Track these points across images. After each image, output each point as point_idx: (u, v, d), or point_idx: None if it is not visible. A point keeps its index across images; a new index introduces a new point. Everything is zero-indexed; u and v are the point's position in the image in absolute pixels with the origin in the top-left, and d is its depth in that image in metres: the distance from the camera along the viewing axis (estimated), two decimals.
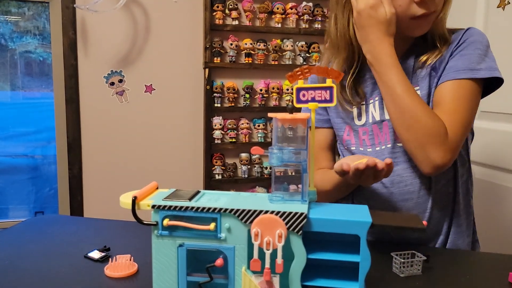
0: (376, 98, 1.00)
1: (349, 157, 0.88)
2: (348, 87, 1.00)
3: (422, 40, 0.97)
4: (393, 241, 0.95)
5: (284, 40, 2.59)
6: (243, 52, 2.54)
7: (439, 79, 0.94)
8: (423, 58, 0.96)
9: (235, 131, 2.57)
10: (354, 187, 1.00)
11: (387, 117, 0.97)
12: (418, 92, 0.95)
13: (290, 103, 0.64)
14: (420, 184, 0.96)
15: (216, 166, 2.57)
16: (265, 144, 2.59)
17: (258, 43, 2.53)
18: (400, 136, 0.91)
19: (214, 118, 2.55)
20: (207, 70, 2.48)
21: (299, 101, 0.65)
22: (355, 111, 1.02)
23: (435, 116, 0.87)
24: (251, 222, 0.59)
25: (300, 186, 0.63)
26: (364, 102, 1.01)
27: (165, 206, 0.62)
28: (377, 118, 0.99)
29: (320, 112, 1.09)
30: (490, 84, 0.93)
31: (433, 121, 0.86)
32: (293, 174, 0.63)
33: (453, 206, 0.99)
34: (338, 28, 0.97)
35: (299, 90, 0.65)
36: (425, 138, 0.86)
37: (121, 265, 0.78)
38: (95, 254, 0.85)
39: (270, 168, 0.65)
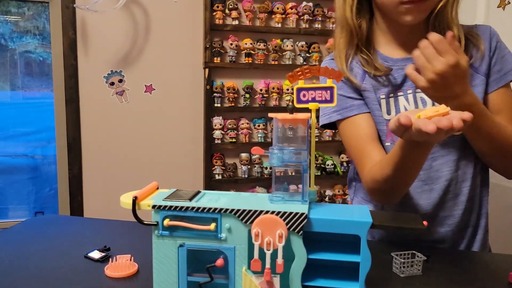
0: (409, 91, 0.95)
1: (407, 111, 0.73)
2: (373, 74, 0.95)
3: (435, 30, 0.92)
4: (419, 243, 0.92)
5: (284, 40, 2.59)
6: (243, 52, 2.54)
7: (488, 81, 0.92)
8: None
9: (235, 131, 2.57)
10: (425, 156, 0.82)
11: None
12: None
13: (291, 103, 0.64)
14: (458, 177, 0.95)
15: (216, 166, 2.56)
16: (265, 144, 2.59)
17: (258, 43, 2.53)
18: (493, 163, 0.93)
19: (214, 118, 2.55)
20: (207, 70, 2.48)
21: (299, 101, 0.65)
22: (383, 104, 0.96)
23: None
24: (252, 222, 0.59)
25: (300, 186, 0.63)
26: (392, 94, 0.96)
27: (165, 206, 0.62)
28: None
29: (354, 96, 0.99)
30: None
31: None
32: (294, 174, 0.63)
33: (480, 206, 1.00)
34: (338, 8, 0.97)
35: (299, 90, 0.65)
36: None
37: (121, 265, 0.78)
38: (95, 254, 0.85)
39: (270, 168, 0.65)
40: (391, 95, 0.96)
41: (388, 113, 0.96)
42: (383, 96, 0.96)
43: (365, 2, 0.97)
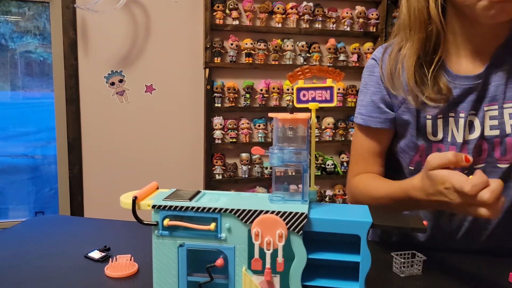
0: (462, 115, 0.82)
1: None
2: (429, 84, 0.81)
3: None
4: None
5: (285, 40, 2.59)
6: (244, 52, 2.54)
7: None
8: None
9: (236, 131, 2.57)
10: (414, 206, 0.79)
11: (468, 137, 0.82)
12: None
13: (291, 103, 0.63)
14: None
15: (216, 166, 2.56)
16: (266, 144, 2.59)
17: (258, 43, 2.53)
18: None
19: (214, 118, 2.55)
20: (207, 70, 2.48)
21: (299, 101, 0.65)
22: (429, 124, 0.84)
23: None
24: (252, 222, 0.59)
25: (300, 186, 0.63)
26: (441, 115, 0.83)
27: (165, 206, 0.61)
28: (459, 139, 0.82)
29: (386, 110, 0.90)
30: None
31: None
32: (294, 174, 0.63)
33: None
34: (414, 3, 0.80)
35: (299, 90, 0.65)
36: None
37: (121, 265, 0.78)
38: (95, 254, 0.85)
39: (271, 168, 0.65)
40: (440, 116, 0.84)
41: (434, 135, 0.85)
42: (430, 117, 0.85)
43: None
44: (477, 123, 0.82)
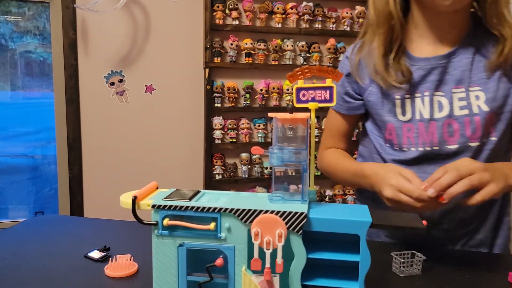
0: (426, 93, 0.91)
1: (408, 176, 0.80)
2: (393, 68, 0.92)
3: (480, 27, 0.89)
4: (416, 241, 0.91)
5: (285, 40, 2.59)
6: (244, 52, 2.54)
7: None
8: (492, 56, 0.87)
9: (235, 131, 2.57)
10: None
11: (436, 115, 0.91)
12: (479, 93, 0.88)
13: (290, 103, 0.64)
14: None
15: (216, 166, 2.56)
16: (265, 144, 2.59)
17: (258, 43, 2.53)
18: None
19: (214, 118, 2.55)
20: (207, 70, 2.48)
21: (299, 101, 0.65)
22: (398, 105, 0.93)
23: None
24: (251, 221, 0.59)
25: (300, 186, 0.63)
26: (409, 95, 0.93)
27: (165, 206, 0.62)
28: (426, 115, 0.91)
29: (349, 100, 1.03)
30: None
31: None
32: (293, 174, 0.63)
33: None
34: (377, 3, 0.92)
35: (299, 90, 0.65)
36: None
37: (121, 265, 0.78)
38: (95, 254, 0.85)
39: (270, 168, 0.65)
40: (407, 96, 0.93)
41: (403, 114, 0.93)
42: (399, 97, 0.93)
43: None
44: (445, 102, 0.90)
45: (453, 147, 0.90)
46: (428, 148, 0.91)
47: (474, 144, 0.89)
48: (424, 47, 0.93)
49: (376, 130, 1.00)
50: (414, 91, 0.92)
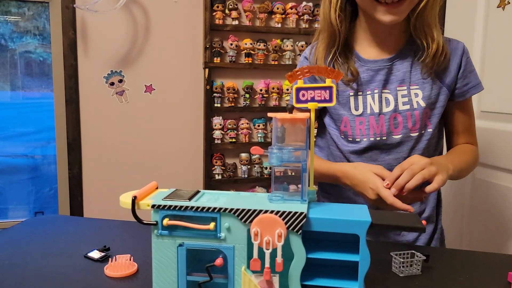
0: (376, 91, 1.04)
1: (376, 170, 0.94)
2: (342, 68, 1.05)
3: (416, 38, 1.03)
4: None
5: (284, 40, 2.59)
6: (243, 52, 2.54)
7: (453, 93, 1.06)
8: (425, 60, 1.02)
9: (235, 131, 2.57)
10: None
11: (384, 110, 1.04)
12: (417, 91, 1.04)
13: (290, 103, 0.64)
14: None
15: (216, 166, 2.57)
16: (265, 144, 2.59)
17: (258, 43, 2.53)
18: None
19: (214, 118, 2.55)
20: (207, 70, 2.48)
21: (298, 101, 0.65)
22: (352, 101, 1.06)
23: (475, 154, 1.11)
24: (251, 221, 0.59)
25: (299, 185, 0.63)
26: (361, 92, 1.05)
27: (165, 206, 0.62)
28: (376, 110, 1.04)
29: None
30: None
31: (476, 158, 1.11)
32: (293, 174, 0.64)
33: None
34: (323, 11, 1.04)
35: (298, 90, 0.65)
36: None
37: (121, 265, 0.78)
38: (95, 254, 0.85)
39: (270, 168, 0.65)
40: (360, 93, 1.05)
41: (356, 109, 1.06)
42: (352, 94, 1.06)
43: (349, 3, 1.04)
44: (391, 98, 1.04)
45: (397, 137, 1.04)
46: (378, 138, 1.04)
47: (414, 134, 1.04)
48: (370, 49, 1.06)
49: (332, 123, 1.11)
50: (365, 88, 1.05)
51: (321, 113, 1.15)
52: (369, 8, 0.97)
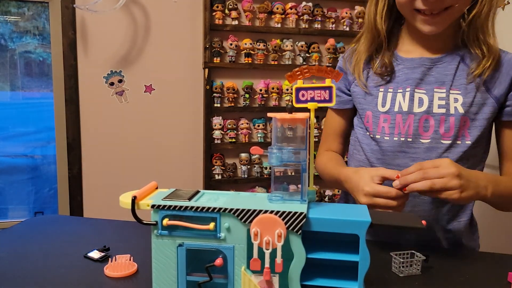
0: (408, 89, 0.98)
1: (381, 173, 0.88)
2: (376, 72, 1.02)
3: (469, 45, 0.97)
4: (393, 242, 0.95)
5: (284, 40, 2.59)
6: (243, 52, 2.54)
7: (502, 109, 0.96)
8: (473, 66, 0.95)
9: (235, 131, 2.57)
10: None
11: (415, 110, 0.97)
12: (458, 96, 0.96)
13: (290, 103, 0.64)
14: None
15: (215, 166, 2.56)
16: (265, 144, 2.59)
17: (257, 43, 2.53)
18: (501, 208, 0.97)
19: (213, 118, 2.55)
20: (206, 70, 2.48)
21: (298, 101, 0.65)
22: (380, 96, 1.01)
23: None
24: (251, 221, 0.59)
25: (299, 186, 0.63)
26: (392, 89, 1.00)
27: (164, 206, 0.62)
28: (405, 108, 0.98)
29: (339, 94, 1.10)
30: None
31: None
32: (293, 174, 0.64)
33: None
34: (368, 15, 1.02)
35: (298, 90, 0.65)
36: None
37: (121, 265, 0.78)
38: (95, 254, 0.85)
39: (270, 168, 0.65)
40: (390, 89, 1.01)
41: (383, 105, 1.01)
42: (382, 89, 1.02)
43: (395, 8, 0.99)
44: (425, 99, 0.97)
45: (425, 141, 0.97)
46: (402, 139, 0.98)
47: (446, 142, 0.96)
48: (412, 50, 1.02)
49: (359, 122, 1.08)
50: (398, 86, 1.00)
51: (351, 115, 1.13)
52: (408, 17, 0.95)
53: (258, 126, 2.60)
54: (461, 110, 0.95)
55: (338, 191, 2.78)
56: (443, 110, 0.96)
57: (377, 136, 1.01)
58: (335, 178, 1.03)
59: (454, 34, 0.99)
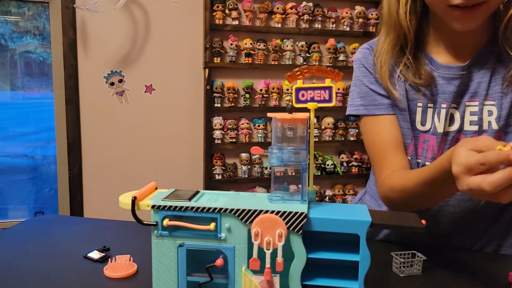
0: (443, 105, 0.86)
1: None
2: (413, 81, 0.87)
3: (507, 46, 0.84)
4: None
5: (284, 40, 2.59)
6: (243, 52, 2.54)
7: None
8: (509, 70, 0.83)
9: (235, 131, 2.57)
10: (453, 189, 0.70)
11: (449, 129, 0.86)
12: (492, 108, 0.84)
13: (290, 103, 0.64)
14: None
15: (216, 166, 2.56)
16: (265, 144, 2.59)
17: (258, 43, 2.53)
18: None
19: (214, 118, 2.55)
20: (207, 70, 2.48)
21: (298, 101, 0.65)
22: (419, 114, 0.89)
23: None
24: (251, 222, 0.59)
25: (300, 186, 0.63)
26: (431, 104, 0.88)
27: (164, 206, 0.61)
28: (440, 129, 0.87)
29: (384, 94, 0.93)
30: None
31: None
32: (293, 174, 0.63)
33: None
34: (389, 9, 0.88)
35: (298, 90, 0.65)
36: None
37: (121, 265, 0.78)
38: (95, 254, 0.85)
39: (270, 168, 0.65)
40: (430, 104, 0.88)
41: (423, 124, 0.89)
42: (420, 105, 0.89)
43: (420, 0, 0.87)
44: (457, 116, 0.86)
45: None
46: None
47: None
48: (443, 52, 0.89)
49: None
50: (436, 100, 0.87)
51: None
52: (441, 13, 0.81)
53: (259, 126, 2.60)
54: (495, 125, 0.84)
55: (339, 191, 2.77)
56: (475, 128, 0.85)
57: (418, 160, 0.88)
58: (433, 172, 0.73)
59: (486, 34, 0.86)
